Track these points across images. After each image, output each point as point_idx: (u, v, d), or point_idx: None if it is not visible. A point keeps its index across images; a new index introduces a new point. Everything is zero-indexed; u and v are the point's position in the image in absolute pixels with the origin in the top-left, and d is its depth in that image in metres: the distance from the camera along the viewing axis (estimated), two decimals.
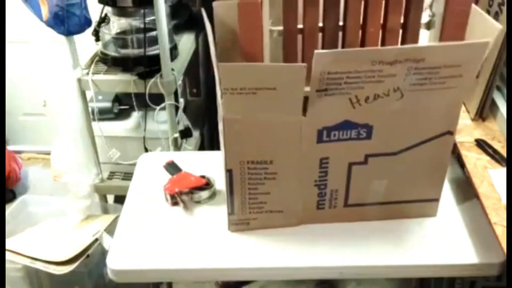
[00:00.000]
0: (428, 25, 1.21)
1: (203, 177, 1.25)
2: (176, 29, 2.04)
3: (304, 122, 1.00)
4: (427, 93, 0.99)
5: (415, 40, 1.24)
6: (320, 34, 1.27)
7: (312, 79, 0.93)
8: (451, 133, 1.06)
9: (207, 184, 1.24)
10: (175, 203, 1.22)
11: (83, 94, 1.88)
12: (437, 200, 1.16)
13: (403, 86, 0.97)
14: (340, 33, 1.28)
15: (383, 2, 1.17)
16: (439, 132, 1.06)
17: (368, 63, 0.92)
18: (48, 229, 1.77)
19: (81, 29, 1.73)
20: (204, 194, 1.23)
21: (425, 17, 1.23)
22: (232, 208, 1.12)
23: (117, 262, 1.09)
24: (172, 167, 1.30)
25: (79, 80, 1.84)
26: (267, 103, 0.97)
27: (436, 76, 0.96)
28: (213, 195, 1.24)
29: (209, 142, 2.41)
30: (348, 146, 1.05)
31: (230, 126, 1.00)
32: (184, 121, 1.98)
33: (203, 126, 2.31)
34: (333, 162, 1.07)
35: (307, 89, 0.95)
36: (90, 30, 1.82)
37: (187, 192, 1.22)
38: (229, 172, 1.06)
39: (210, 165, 1.30)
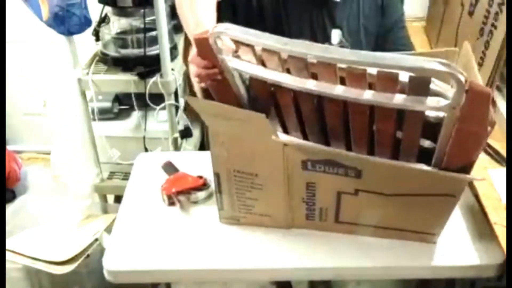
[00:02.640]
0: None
1: (200, 177, 1.25)
2: (176, 29, 2.03)
3: (286, 150, 0.97)
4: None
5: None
6: None
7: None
8: (453, 196, 0.96)
9: (204, 185, 1.24)
10: (172, 204, 1.21)
11: (83, 94, 1.89)
12: (435, 234, 1.08)
13: None
14: None
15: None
16: (439, 192, 0.96)
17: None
18: (48, 229, 1.77)
19: (81, 29, 1.73)
20: (201, 194, 1.22)
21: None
22: (221, 205, 1.12)
23: (113, 263, 1.08)
24: (170, 168, 1.29)
25: (79, 80, 1.84)
26: (244, 128, 0.95)
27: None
28: (210, 196, 1.23)
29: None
30: (336, 179, 0.99)
31: (215, 136, 1.00)
32: (184, 121, 1.98)
33: (203, 126, 2.30)
34: (320, 188, 1.03)
35: None
36: (90, 30, 1.82)
37: (184, 193, 1.22)
38: (216, 175, 1.07)
39: (208, 165, 1.28)
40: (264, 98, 0.96)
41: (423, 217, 1.04)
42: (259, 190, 1.06)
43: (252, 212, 1.11)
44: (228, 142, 1.00)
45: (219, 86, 0.94)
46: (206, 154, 1.44)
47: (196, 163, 1.32)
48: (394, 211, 1.04)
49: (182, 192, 1.21)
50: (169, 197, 1.21)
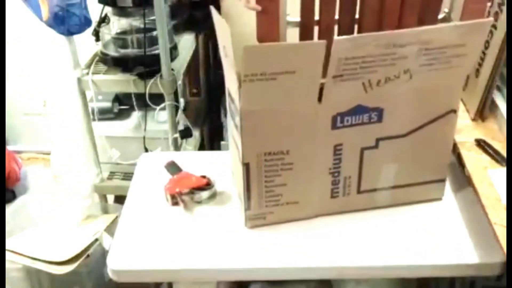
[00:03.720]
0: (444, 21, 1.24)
1: (203, 177, 1.25)
2: (176, 29, 2.04)
3: (319, 109, 1.03)
4: (433, 73, 1.04)
5: None
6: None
7: (330, 65, 0.96)
8: (454, 111, 1.11)
9: (208, 184, 1.24)
10: (175, 203, 1.22)
11: (83, 94, 1.88)
12: (443, 180, 1.20)
13: (412, 67, 1.02)
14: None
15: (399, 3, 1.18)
16: (444, 111, 1.10)
17: (383, 47, 0.97)
18: (48, 229, 1.77)
19: (81, 29, 1.73)
20: (205, 194, 1.23)
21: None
22: (248, 204, 1.12)
23: (117, 262, 1.09)
24: (173, 167, 1.29)
25: (79, 80, 1.84)
26: (286, 89, 0.98)
27: (443, 56, 1.01)
28: (213, 195, 1.24)
29: (209, 142, 2.41)
30: (360, 131, 1.09)
31: (248, 119, 1.01)
32: (184, 121, 1.98)
33: (203, 126, 2.31)
34: (346, 148, 1.11)
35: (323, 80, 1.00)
36: (90, 30, 1.82)
37: (187, 192, 1.22)
38: (246, 166, 1.07)
39: (211, 165, 1.30)
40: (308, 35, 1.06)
41: (432, 153, 1.16)
42: (289, 171, 1.09)
43: (279, 203, 1.13)
44: (262, 121, 1.02)
45: (267, 15, 1.01)
46: (209, 154, 1.45)
47: (199, 162, 1.33)
48: (408, 156, 1.15)
49: (185, 191, 1.22)
50: (173, 197, 1.22)
